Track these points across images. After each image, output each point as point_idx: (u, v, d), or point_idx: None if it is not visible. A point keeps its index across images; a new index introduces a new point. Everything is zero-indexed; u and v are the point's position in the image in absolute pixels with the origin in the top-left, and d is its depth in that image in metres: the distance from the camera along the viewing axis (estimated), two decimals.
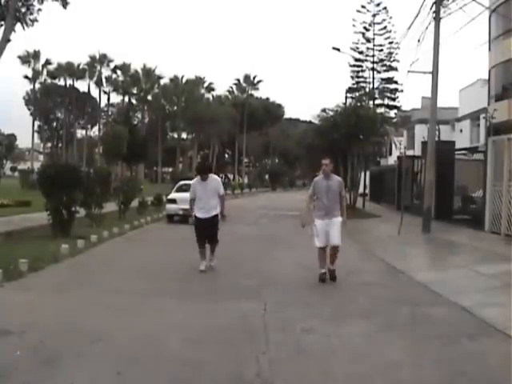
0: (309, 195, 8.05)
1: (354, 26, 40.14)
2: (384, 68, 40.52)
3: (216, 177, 8.89)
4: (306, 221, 7.98)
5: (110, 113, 78.21)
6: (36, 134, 75.13)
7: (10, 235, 11.35)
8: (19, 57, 67.43)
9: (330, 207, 7.73)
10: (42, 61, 70.46)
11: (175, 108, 73.74)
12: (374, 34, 40.01)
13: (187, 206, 17.69)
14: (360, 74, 41.09)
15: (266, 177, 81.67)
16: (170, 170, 72.24)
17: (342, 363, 4.44)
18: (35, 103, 71.66)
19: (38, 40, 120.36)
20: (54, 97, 73.71)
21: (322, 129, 24.65)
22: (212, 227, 8.66)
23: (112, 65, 71.28)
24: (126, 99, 74.21)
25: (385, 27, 39.79)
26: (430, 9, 16.32)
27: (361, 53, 40.36)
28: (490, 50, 25.37)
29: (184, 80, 72.75)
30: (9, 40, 14.33)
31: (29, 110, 73.38)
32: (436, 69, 16.34)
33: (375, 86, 40.79)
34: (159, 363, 4.28)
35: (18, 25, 15.83)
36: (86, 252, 10.35)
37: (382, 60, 40.31)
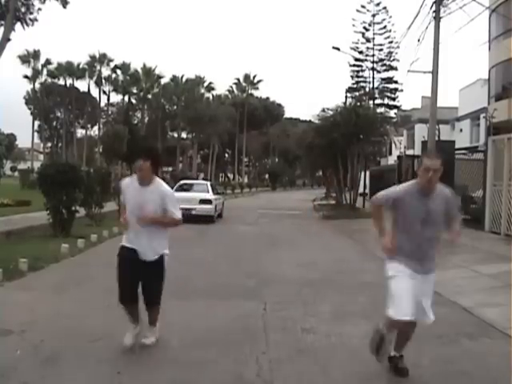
0: (378, 204, 4.37)
1: (353, 25, 40.15)
2: (384, 68, 40.53)
3: (165, 186, 4.65)
4: (389, 246, 4.15)
5: (109, 112, 78.25)
6: (36, 134, 75.20)
7: (10, 235, 11.35)
8: (19, 56, 67.50)
9: (425, 249, 4.07)
10: (42, 60, 70.56)
11: (175, 107, 73.77)
12: (373, 34, 40.02)
13: (188, 206, 18.10)
14: (360, 73, 41.11)
15: (266, 176, 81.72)
16: (170, 169, 72.29)
17: (342, 363, 4.44)
18: (35, 103, 71.68)
19: (38, 39, 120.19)
20: (54, 96, 73.75)
21: (321, 128, 24.65)
22: (151, 277, 4.64)
23: (112, 64, 71.35)
24: (126, 99, 74.28)
25: (384, 27, 39.81)
26: (430, 8, 16.35)
27: (361, 52, 40.36)
28: (489, 49, 25.38)
29: (184, 79, 72.78)
30: (9, 39, 14.34)
31: (29, 109, 73.43)
32: (436, 68, 16.34)
33: (375, 85, 40.77)
34: (159, 363, 4.28)
35: (18, 24, 15.84)
36: (86, 251, 10.35)
37: (381, 60, 40.31)
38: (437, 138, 19.68)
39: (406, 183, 4.32)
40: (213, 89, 76.27)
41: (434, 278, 4.25)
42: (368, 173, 31.90)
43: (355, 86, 41.22)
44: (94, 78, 71.17)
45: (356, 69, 41.04)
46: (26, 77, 70.71)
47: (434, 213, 4.00)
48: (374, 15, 39.81)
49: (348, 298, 7.00)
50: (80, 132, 79.62)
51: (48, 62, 70.57)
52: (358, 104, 30.99)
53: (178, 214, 4.64)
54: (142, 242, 4.50)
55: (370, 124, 23.52)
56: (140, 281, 4.59)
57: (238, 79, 79.42)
